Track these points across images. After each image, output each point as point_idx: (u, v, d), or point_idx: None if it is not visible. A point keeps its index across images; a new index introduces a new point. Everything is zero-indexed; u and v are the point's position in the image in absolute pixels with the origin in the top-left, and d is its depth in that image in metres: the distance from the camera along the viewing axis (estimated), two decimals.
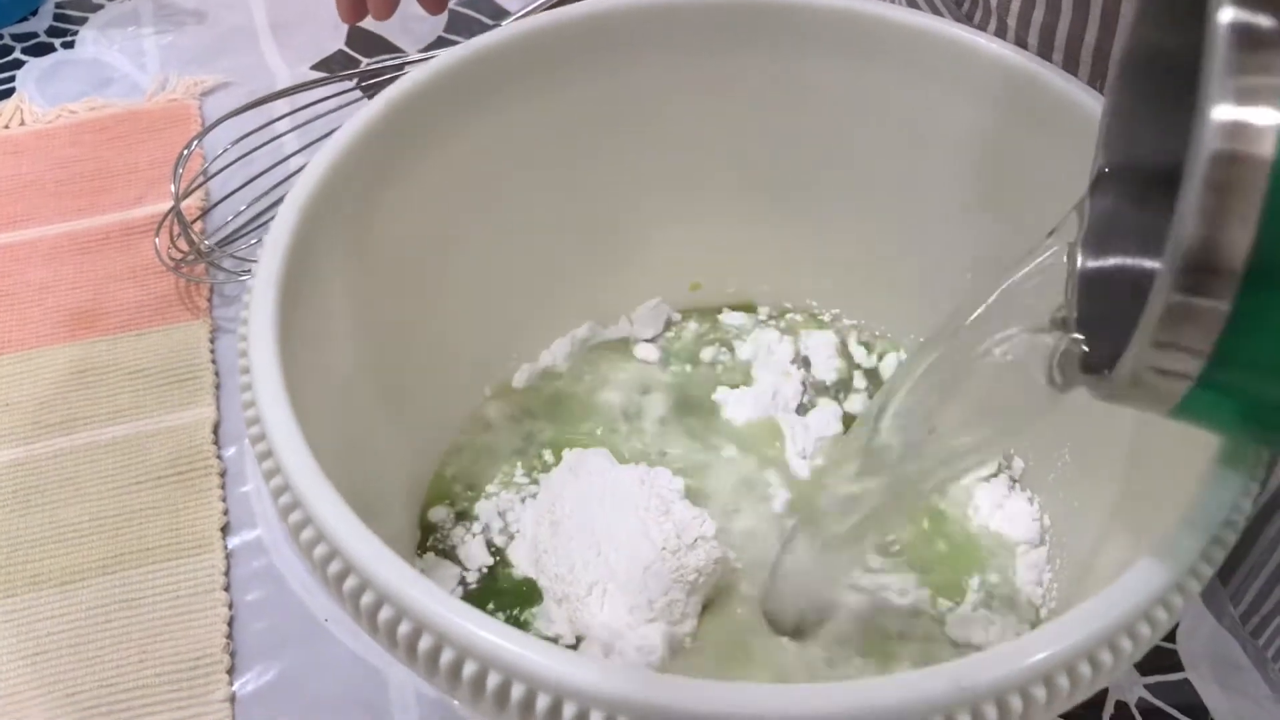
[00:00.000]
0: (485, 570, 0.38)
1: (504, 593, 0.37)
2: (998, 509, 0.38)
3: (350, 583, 0.25)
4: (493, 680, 0.23)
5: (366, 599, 0.24)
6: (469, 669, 0.23)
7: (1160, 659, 0.39)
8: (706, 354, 0.44)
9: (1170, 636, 0.40)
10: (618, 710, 0.22)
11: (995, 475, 0.39)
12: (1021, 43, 0.45)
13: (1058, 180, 0.35)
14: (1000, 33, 0.46)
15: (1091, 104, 0.34)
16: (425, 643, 0.24)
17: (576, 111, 0.40)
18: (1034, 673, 0.23)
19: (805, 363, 0.43)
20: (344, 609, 0.25)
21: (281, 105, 0.55)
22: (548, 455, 0.41)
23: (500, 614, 0.36)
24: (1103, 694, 0.39)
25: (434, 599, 0.24)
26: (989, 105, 0.37)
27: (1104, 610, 0.24)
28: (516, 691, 0.23)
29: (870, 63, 0.38)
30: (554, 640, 0.35)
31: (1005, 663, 0.23)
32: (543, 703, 0.22)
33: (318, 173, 0.33)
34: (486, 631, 0.23)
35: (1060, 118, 0.35)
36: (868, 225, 0.42)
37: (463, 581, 0.38)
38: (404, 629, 0.24)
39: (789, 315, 0.45)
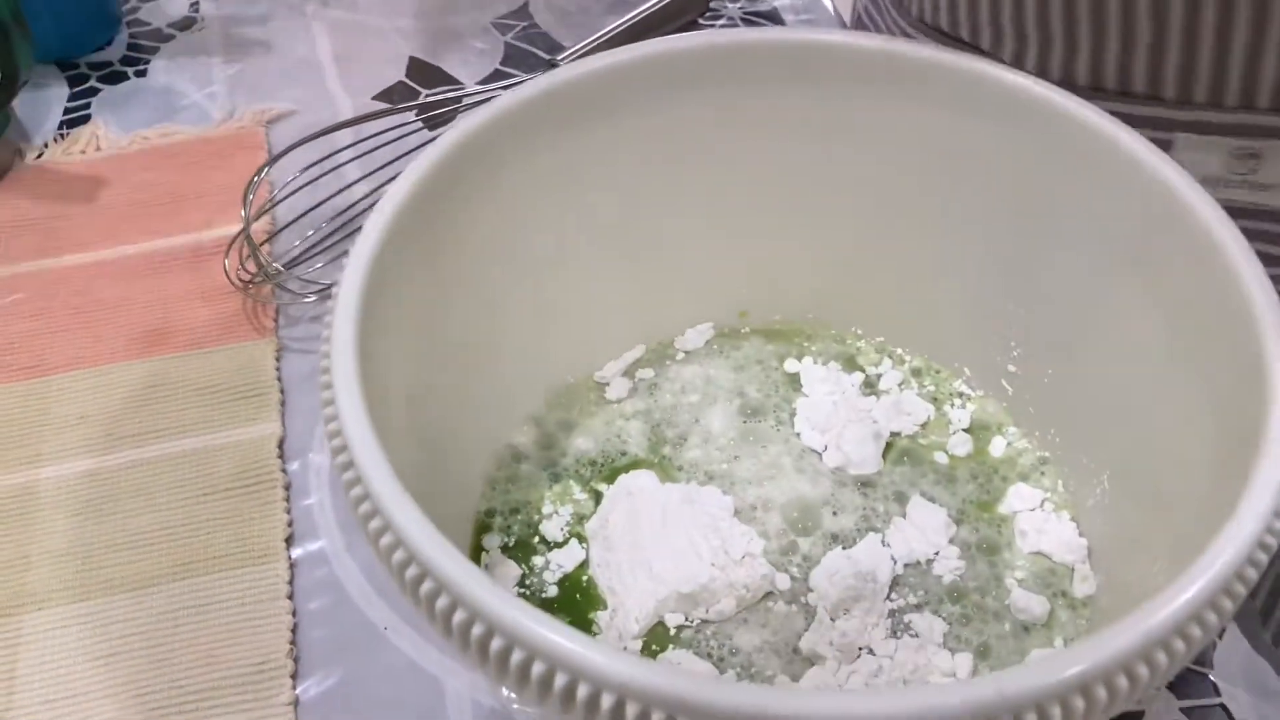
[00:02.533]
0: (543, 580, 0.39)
1: (558, 601, 0.39)
2: (1041, 534, 0.39)
3: (426, 586, 0.26)
4: (560, 680, 0.24)
5: (442, 603, 0.26)
6: (537, 669, 0.25)
7: (1196, 683, 0.40)
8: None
9: (1206, 661, 0.41)
10: (677, 711, 0.24)
11: (1040, 505, 0.40)
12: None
13: (1101, 216, 0.37)
14: None
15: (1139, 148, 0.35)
16: (497, 644, 0.25)
17: (633, 144, 0.41)
18: (1073, 684, 0.24)
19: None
20: (420, 612, 0.27)
21: (345, 135, 0.57)
22: (598, 475, 0.42)
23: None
24: (1138, 716, 0.39)
25: (508, 604, 0.25)
26: (1030, 141, 0.38)
27: (1140, 626, 0.25)
28: (583, 691, 0.24)
29: (910, 98, 0.40)
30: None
31: (1046, 673, 0.24)
32: (607, 701, 0.24)
33: (398, 198, 0.35)
34: (556, 635, 0.25)
35: (1095, 151, 0.36)
36: (908, 256, 0.43)
37: (522, 584, 0.39)
38: (477, 631, 0.25)
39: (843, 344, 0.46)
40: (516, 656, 0.25)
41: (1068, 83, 0.47)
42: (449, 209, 0.37)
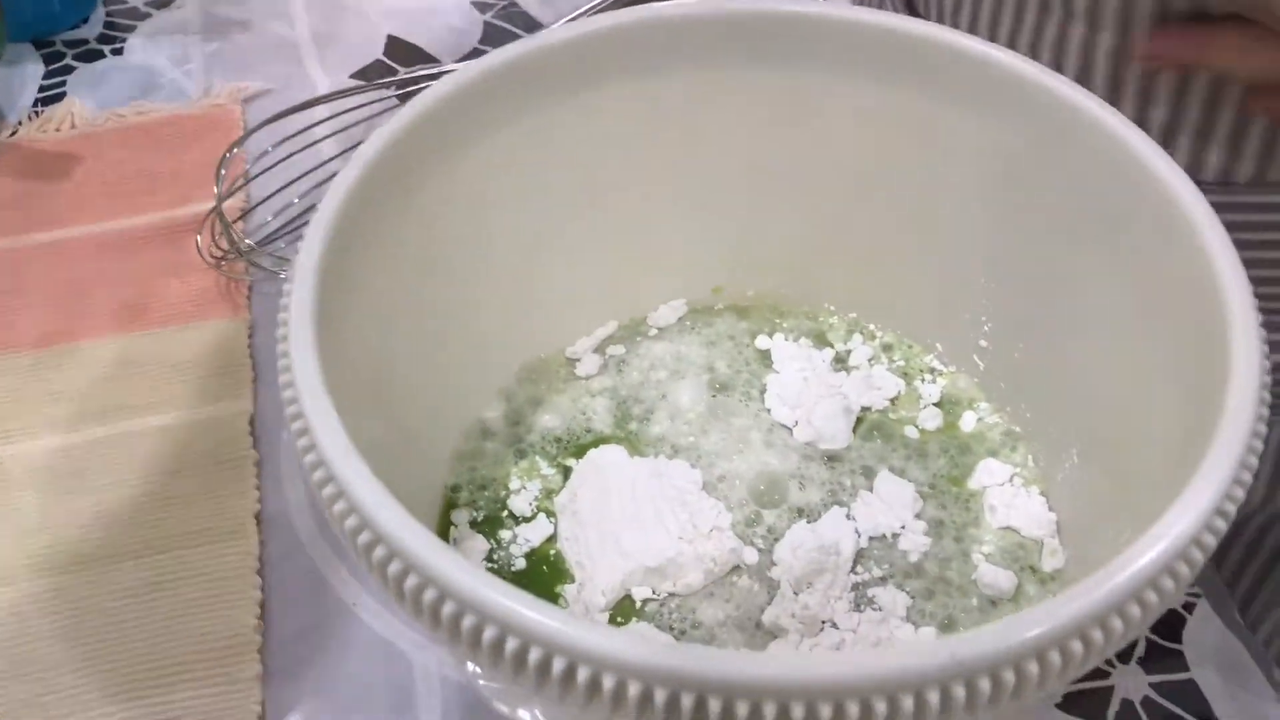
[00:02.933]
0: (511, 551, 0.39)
1: (525, 574, 0.39)
2: (1010, 509, 0.39)
3: (394, 567, 0.26)
4: (534, 655, 0.24)
5: (411, 582, 0.25)
6: (511, 645, 0.24)
7: (1166, 658, 0.40)
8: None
9: (1176, 636, 0.41)
10: (631, 675, 0.23)
11: (1010, 480, 0.40)
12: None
13: (1071, 190, 0.37)
14: None
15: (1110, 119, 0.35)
16: (468, 621, 0.25)
17: (604, 117, 0.41)
18: (1027, 648, 0.24)
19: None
20: (388, 593, 0.26)
21: (321, 111, 0.57)
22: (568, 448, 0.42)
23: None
24: (1108, 692, 0.39)
25: (476, 579, 0.25)
26: (1003, 116, 0.38)
27: (1095, 591, 0.24)
28: (558, 665, 0.24)
29: (880, 73, 0.39)
30: None
31: (1000, 638, 0.24)
32: (583, 675, 0.24)
33: (355, 173, 0.34)
34: (525, 608, 0.24)
35: (1063, 122, 0.36)
36: (880, 232, 0.43)
37: (490, 559, 0.39)
38: (448, 609, 0.25)
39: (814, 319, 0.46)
40: (489, 633, 0.24)
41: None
42: (412, 181, 0.37)
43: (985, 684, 0.24)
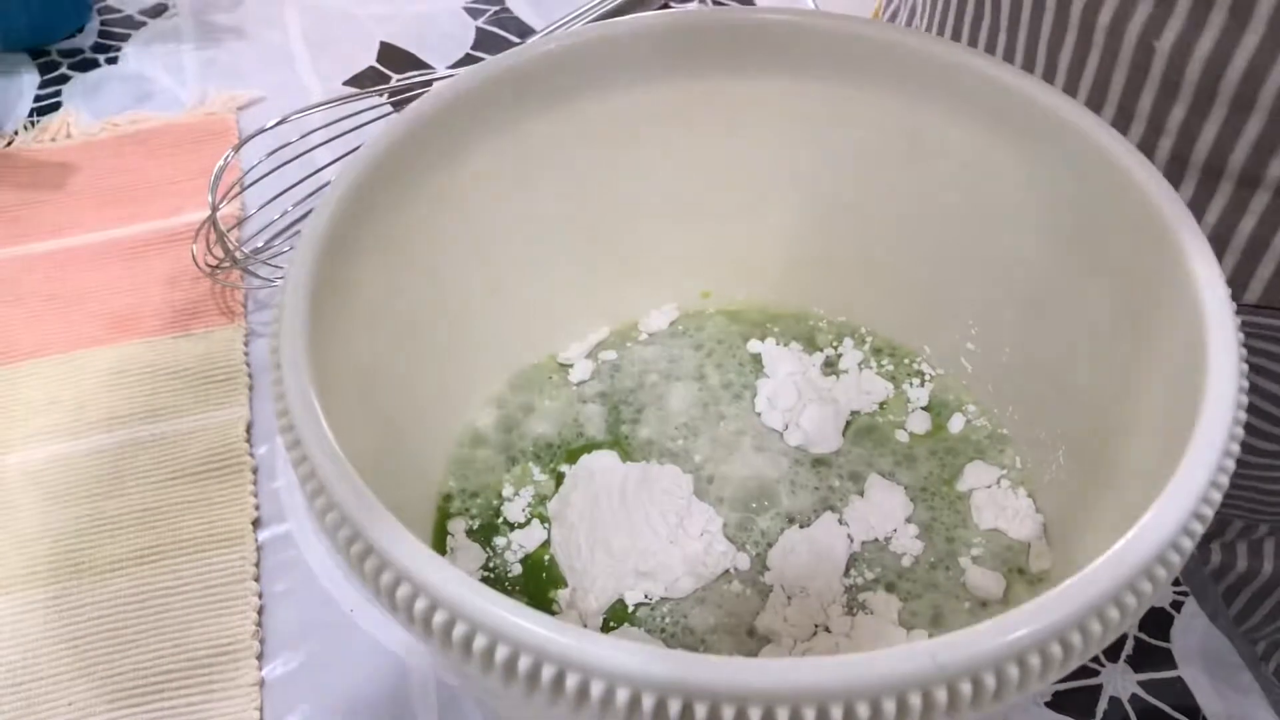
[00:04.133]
0: (506, 560, 0.39)
1: (521, 580, 0.39)
2: (998, 511, 0.39)
3: (386, 577, 0.26)
4: (524, 662, 0.24)
5: (403, 592, 0.26)
6: (501, 653, 0.24)
7: (1154, 656, 0.41)
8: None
9: (1164, 634, 0.41)
10: (618, 682, 0.24)
11: (997, 482, 0.40)
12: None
13: (1055, 196, 0.37)
14: None
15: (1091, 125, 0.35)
16: (460, 630, 0.25)
17: (595, 124, 0.41)
18: (1008, 652, 0.24)
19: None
20: (380, 603, 0.26)
21: (315, 119, 0.58)
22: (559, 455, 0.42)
23: (523, 601, 0.38)
24: (1096, 690, 0.40)
25: (466, 588, 0.25)
26: (988, 124, 0.38)
27: (1074, 595, 0.25)
28: (547, 672, 0.24)
29: (867, 80, 0.40)
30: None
31: (981, 642, 0.24)
32: (572, 681, 0.24)
33: (348, 181, 0.35)
34: (514, 615, 0.24)
35: (1049, 129, 0.36)
36: (869, 236, 0.44)
37: (486, 567, 0.39)
38: (440, 619, 0.25)
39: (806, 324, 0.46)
40: (480, 642, 0.25)
41: None
42: (405, 189, 0.37)
43: (967, 687, 0.24)
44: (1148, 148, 0.45)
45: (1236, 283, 0.45)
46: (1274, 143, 0.42)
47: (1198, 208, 0.45)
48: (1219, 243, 0.45)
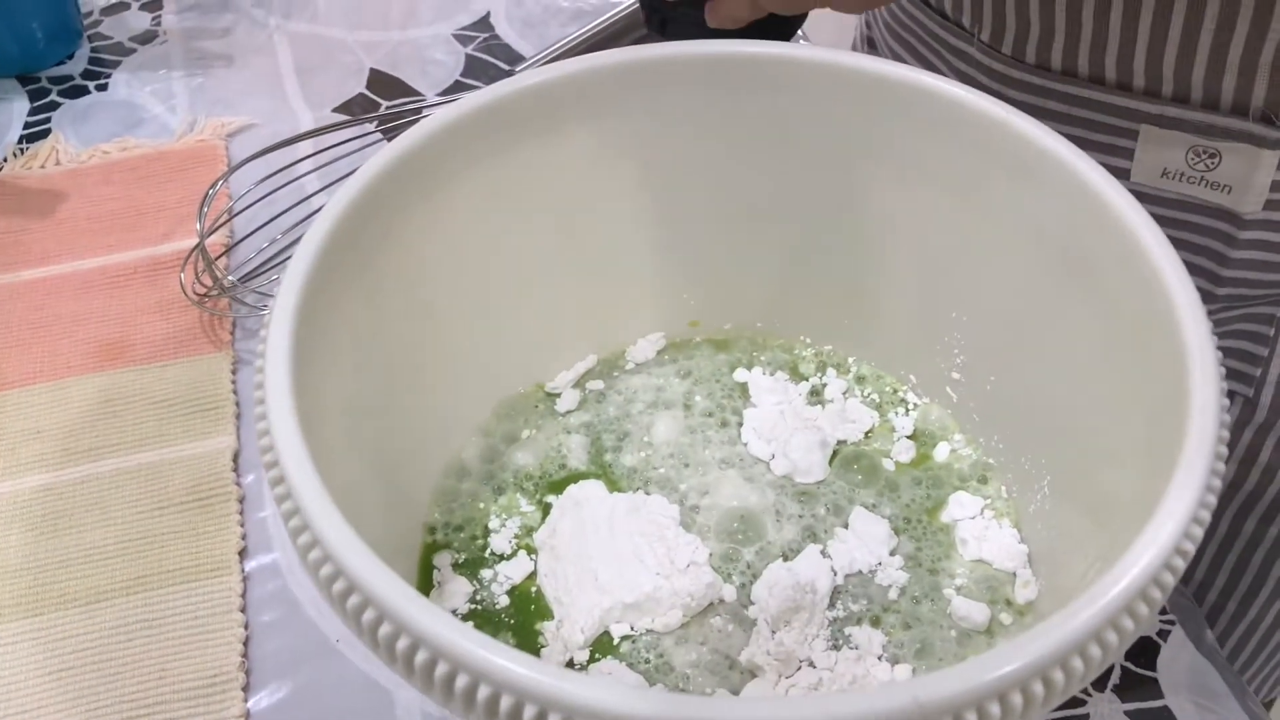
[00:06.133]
0: (491, 593, 0.39)
1: (508, 612, 0.39)
2: (982, 542, 0.40)
3: (369, 615, 0.26)
4: (506, 702, 0.24)
5: (384, 630, 0.26)
6: (483, 693, 0.25)
7: (1141, 686, 0.41)
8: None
9: (1150, 664, 0.41)
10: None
11: (980, 513, 0.40)
12: None
13: (1039, 227, 0.38)
14: None
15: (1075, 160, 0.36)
16: (441, 670, 0.25)
17: (581, 155, 0.42)
18: (990, 690, 0.24)
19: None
20: (363, 641, 0.27)
21: (304, 146, 0.58)
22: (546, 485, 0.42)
23: (510, 634, 0.38)
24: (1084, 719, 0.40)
25: (447, 627, 0.25)
26: (974, 154, 0.38)
27: (1055, 633, 0.25)
28: (529, 712, 0.24)
29: (852, 110, 0.40)
30: (569, 663, 0.37)
31: (962, 680, 0.24)
32: (529, 713, 0.24)
33: (334, 213, 0.35)
34: (497, 656, 0.25)
35: (1031, 160, 0.37)
36: (854, 265, 0.44)
37: (474, 599, 0.39)
38: (422, 658, 0.25)
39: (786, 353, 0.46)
40: (462, 681, 0.25)
41: (1042, 67, 0.48)
42: (391, 222, 0.37)
43: None
44: None
45: None
46: None
47: None
48: None
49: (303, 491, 0.28)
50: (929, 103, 0.39)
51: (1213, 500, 0.28)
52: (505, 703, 0.24)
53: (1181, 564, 0.27)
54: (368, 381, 0.37)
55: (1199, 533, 0.27)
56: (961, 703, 0.24)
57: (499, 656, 0.24)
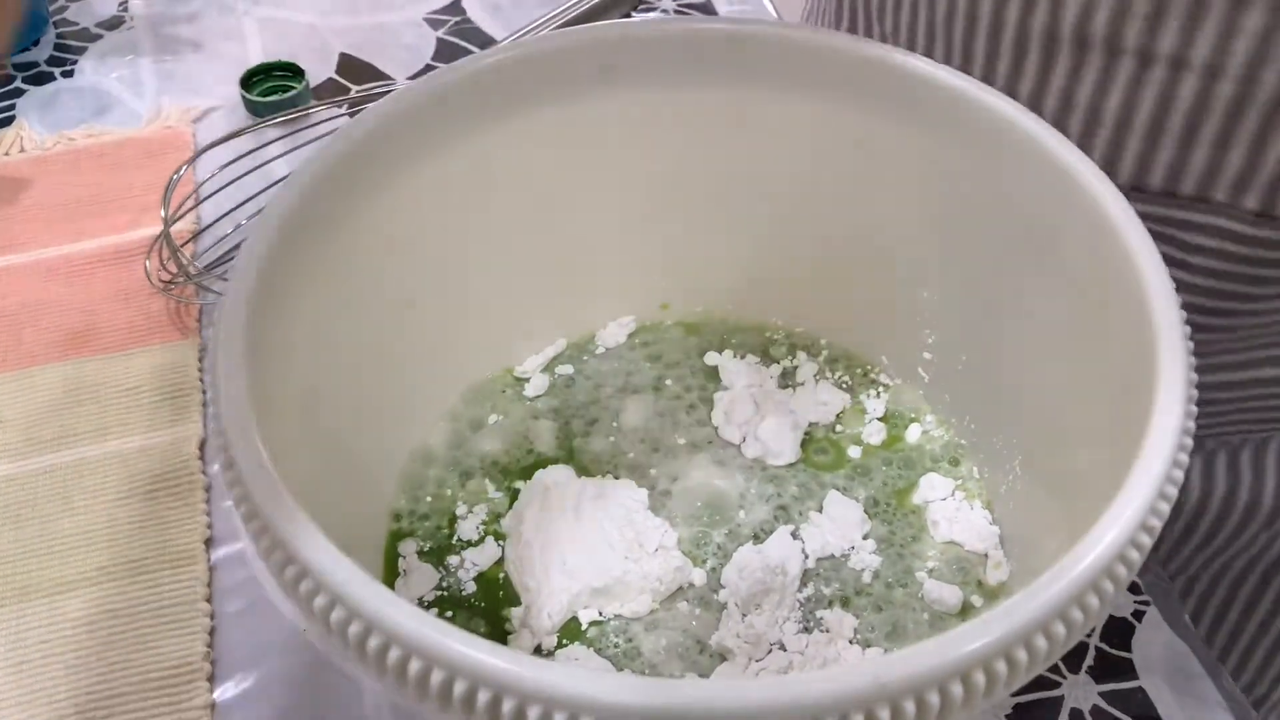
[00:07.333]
0: (459, 580, 0.39)
1: (475, 599, 0.38)
2: (953, 523, 0.39)
3: (337, 614, 0.25)
4: (459, 688, 0.24)
5: (354, 628, 0.25)
6: (436, 677, 0.24)
7: (1115, 667, 0.40)
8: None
9: (1125, 645, 0.41)
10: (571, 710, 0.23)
11: (952, 494, 0.40)
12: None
13: (1007, 203, 0.37)
14: None
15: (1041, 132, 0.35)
16: (415, 666, 0.24)
17: (546, 136, 0.41)
18: (952, 669, 0.24)
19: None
20: (333, 643, 0.26)
21: (272, 131, 0.57)
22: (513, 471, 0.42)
23: (479, 620, 0.37)
24: (1057, 702, 0.39)
25: (425, 625, 0.24)
26: (939, 131, 0.38)
27: (1017, 612, 0.25)
28: (482, 697, 0.24)
29: (818, 88, 0.39)
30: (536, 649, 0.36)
31: (924, 659, 0.24)
32: (508, 706, 0.23)
33: (289, 197, 0.34)
34: (458, 644, 0.24)
35: (999, 136, 0.36)
36: (824, 246, 0.43)
37: (440, 587, 0.39)
38: (396, 656, 0.24)
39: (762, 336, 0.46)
40: (415, 667, 0.24)
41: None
42: (351, 205, 0.37)
43: (910, 705, 0.24)
44: None
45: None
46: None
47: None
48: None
49: (257, 489, 0.27)
50: (891, 78, 0.38)
51: (1179, 476, 0.27)
52: (483, 697, 0.24)
53: (1148, 540, 0.26)
54: (329, 367, 0.36)
55: (1165, 509, 0.27)
56: (924, 681, 0.24)
57: (475, 650, 0.24)
